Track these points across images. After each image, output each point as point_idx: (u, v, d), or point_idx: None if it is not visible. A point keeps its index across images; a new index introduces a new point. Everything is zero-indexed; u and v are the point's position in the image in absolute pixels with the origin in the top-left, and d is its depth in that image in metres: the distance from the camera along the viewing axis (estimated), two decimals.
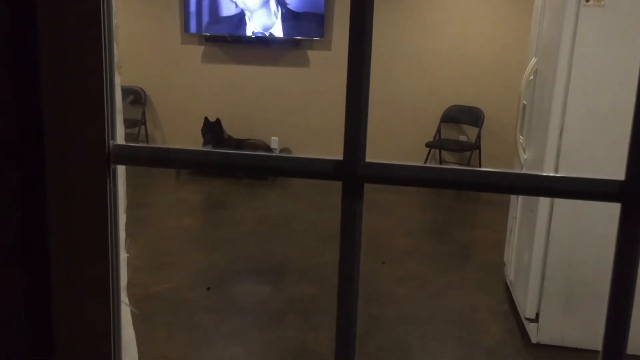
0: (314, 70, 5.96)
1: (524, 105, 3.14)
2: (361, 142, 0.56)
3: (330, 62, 5.88)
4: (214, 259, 3.73)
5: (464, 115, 5.76)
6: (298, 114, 6.05)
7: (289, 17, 5.68)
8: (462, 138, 5.87)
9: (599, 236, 2.62)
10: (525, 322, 2.88)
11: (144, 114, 6.16)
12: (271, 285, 3.39)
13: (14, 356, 0.66)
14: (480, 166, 5.74)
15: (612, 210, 2.27)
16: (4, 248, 0.63)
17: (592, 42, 2.51)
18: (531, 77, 3.07)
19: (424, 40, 5.75)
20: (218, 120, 5.82)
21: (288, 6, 5.66)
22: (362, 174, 0.56)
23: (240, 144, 5.87)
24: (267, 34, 5.74)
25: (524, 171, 3.13)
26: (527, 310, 2.83)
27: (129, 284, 0.94)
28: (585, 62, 2.53)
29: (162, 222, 4.42)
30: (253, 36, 5.83)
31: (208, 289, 3.29)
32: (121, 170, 0.68)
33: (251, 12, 5.71)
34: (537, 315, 2.79)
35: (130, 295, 0.97)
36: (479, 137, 5.63)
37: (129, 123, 5.87)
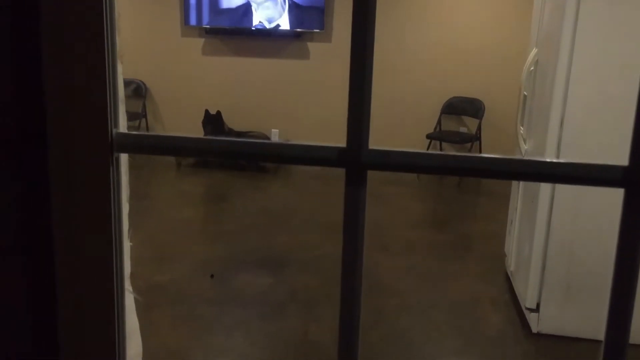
0: (314, 62, 5.95)
1: (525, 96, 3.14)
2: (364, 129, 0.56)
3: (330, 54, 5.86)
4: (216, 250, 3.74)
5: (464, 107, 5.75)
6: (298, 106, 6.05)
7: (294, 9, 5.67)
8: (463, 129, 5.86)
9: (600, 226, 2.62)
10: (526, 312, 2.89)
11: (144, 106, 6.16)
12: (273, 277, 3.40)
13: (14, 356, 0.67)
14: None
15: (612, 200, 2.27)
16: (5, 242, 0.63)
17: (593, 32, 2.50)
18: (532, 68, 3.06)
19: (425, 32, 5.73)
20: (219, 112, 5.81)
21: None
22: (365, 160, 0.56)
23: (240, 136, 5.87)
24: (274, 25, 5.72)
25: (525, 153, 3.14)
26: (527, 300, 2.84)
27: (131, 276, 0.95)
28: (587, 52, 2.53)
29: (164, 214, 4.43)
30: (253, 28, 5.81)
31: (212, 276, 3.31)
32: (124, 159, 0.68)
33: (257, 4, 5.69)
34: (538, 305, 2.79)
35: (132, 287, 0.98)
36: (479, 128, 5.63)
37: (129, 116, 5.84)
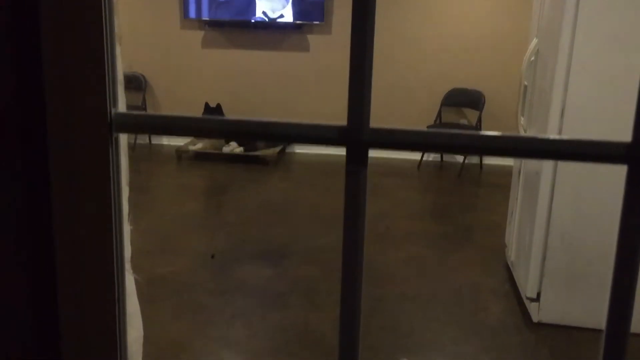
0: (314, 54, 5.93)
1: (525, 86, 3.13)
2: (365, 107, 0.56)
3: (330, 46, 5.84)
4: (217, 242, 3.74)
5: (464, 99, 5.74)
6: (298, 98, 6.03)
7: (297, 1, 5.65)
8: (463, 121, 5.85)
9: (600, 215, 2.62)
10: (527, 302, 2.89)
11: (144, 100, 6.15)
12: (274, 268, 3.40)
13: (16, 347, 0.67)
14: None
15: (613, 189, 2.27)
16: (5, 241, 0.63)
17: (594, 21, 2.49)
18: (532, 58, 3.05)
19: (425, 24, 5.72)
20: (219, 105, 5.81)
21: None
22: (367, 139, 0.55)
23: None
24: (277, 15, 5.70)
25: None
26: (528, 289, 2.84)
27: (133, 268, 0.95)
28: (587, 41, 2.52)
29: (165, 207, 4.43)
30: (253, 21, 5.79)
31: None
32: (123, 141, 0.67)
33: None
34: (539, 294, 2.80)
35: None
36: (479, 120, 5.62)
37: (129, 109, 5.84)
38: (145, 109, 6.15)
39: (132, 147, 5.99)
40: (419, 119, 5.77)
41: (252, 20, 5.79)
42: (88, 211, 0.61)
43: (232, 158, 5.72)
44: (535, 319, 2.81)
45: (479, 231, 4.16)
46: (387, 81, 5.72)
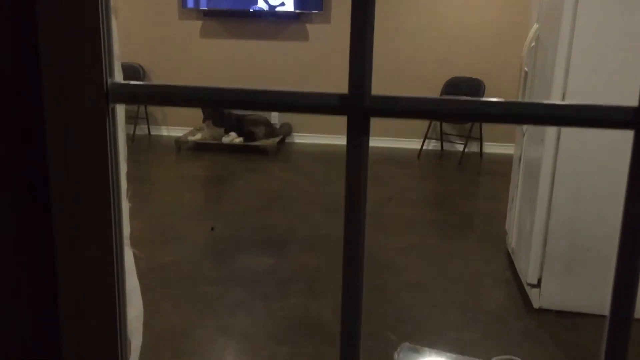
0: (313, 43, 5.90)
1: (526, 72, 3.11)
2: (366, 74, 0.55)
3: (329, 35, 5.81)
4: (218, 231, 3.73)
5: (464, 87, 5.72)
6: (297, 88, 6.00)
7: None
8: None
9: (601, 200, 2.62)
10: (527, 288, 2.89)
11: None
12: (275, 256, 3.40)
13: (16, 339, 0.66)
14: (481, 138, 5.72)
15: (614, 173, 2.25)
16: (5, 240, 0.62)
17: (594, 6, 2.47)
18: (533, 44, 3.04)
19: (424, 12, 5.68)
20: None
21: None
22: (368, 106, 0.54)
23: (240, 119, 5.85)
24: (278, 4, 5.67)
25: (526, 131, 3.12)
26: (529, 276, 2.84)
27: (134, 261, 0.94)
28: (588, 26, 2.50)
29: (164, 197, 4.42)
30: (251, 10, 5.76)
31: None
32: (120, 114, 0.66)
33: None
34: (539, 280, 2.80)
35: (134, 270, 0.97)
36: None
37: None
38: None
39: (131, 138, 5.97)
40: None
41: (251, 10, 5.76)
42: (85, 183, 0.61)
43: (232, 148, 5.71)
44: (536, 305, 2.81)
45: (480, 219, 4.15)
46: (387, 70, 5.70)
